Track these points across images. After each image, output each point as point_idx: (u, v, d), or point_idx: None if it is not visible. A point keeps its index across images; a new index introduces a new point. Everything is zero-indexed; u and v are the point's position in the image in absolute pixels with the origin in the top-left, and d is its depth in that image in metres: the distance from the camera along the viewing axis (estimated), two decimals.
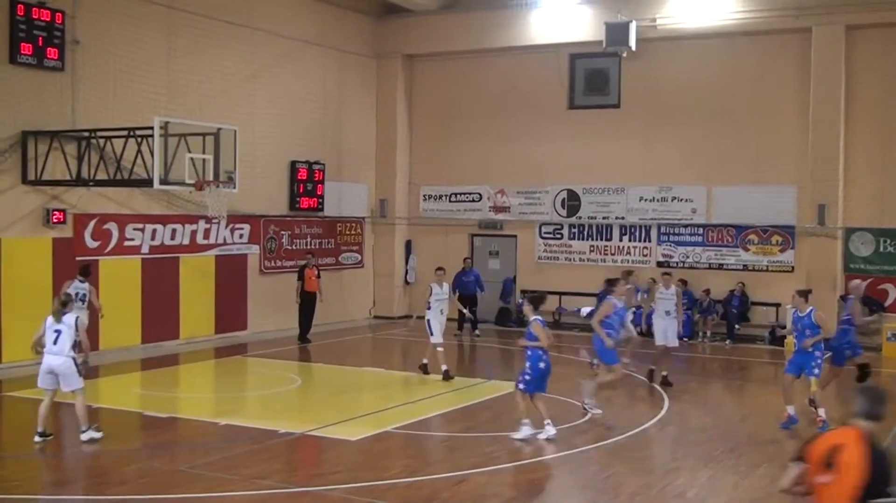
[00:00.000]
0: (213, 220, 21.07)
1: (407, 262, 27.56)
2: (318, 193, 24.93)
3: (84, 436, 12.27)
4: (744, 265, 23.60)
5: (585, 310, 23.37)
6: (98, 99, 19.13)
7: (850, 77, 22.28)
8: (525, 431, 12.50)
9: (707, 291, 23.46)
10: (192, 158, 17.35)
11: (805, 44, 22.54)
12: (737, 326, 23.10)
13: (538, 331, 12.58)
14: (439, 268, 18.42)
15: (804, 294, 14.15)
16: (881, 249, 22.29)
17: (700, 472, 11.49)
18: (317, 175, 24.85)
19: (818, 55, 22.31)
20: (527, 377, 12.63)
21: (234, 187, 18.10)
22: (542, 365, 12.62)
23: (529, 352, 12.72)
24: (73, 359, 12.29)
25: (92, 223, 19.42)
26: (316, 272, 22.12)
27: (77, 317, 12.53)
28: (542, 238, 26.05)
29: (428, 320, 17.49)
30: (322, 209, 25.15)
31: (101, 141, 18.21)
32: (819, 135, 22.28)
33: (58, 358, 12.19)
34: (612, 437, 13.15)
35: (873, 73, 22.26)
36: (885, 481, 5.71)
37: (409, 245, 27.73)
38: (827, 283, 22.36)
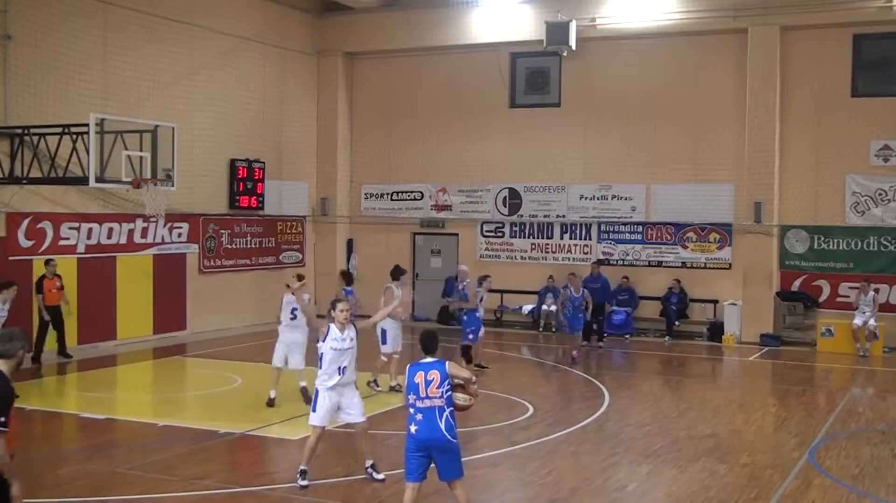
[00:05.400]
0: (151, 219, 20.76)
1: (348, 261, 27.43)
2: (259, 192, 24.71)
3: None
4: (682, 262, 23.88)
5: (527, 308, 23.56)
6: (31, 95, 18.73)
7: (785, 77, 22.68)
8: None
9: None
10: (128, 156, 17.13)
11: (742, 44, 22.89)
12: (676, 323, 23.38)
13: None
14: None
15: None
16: (815, 246, 22.71)
17: (640, 466, 11.62)
18: (257, 173, 24.63)
19: (754, 56, 22.67)
20: None
21: (173, 185, 17.88)
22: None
23: None
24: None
25: (25, 222, 19.02)
26: (58, 283, 18.73)
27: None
28: (484, 236, 26.12)
29: (383, 328, 15.91)
30: (262, 208, 24.94)
31: (35, 138, 17.85)
32: (755, 134, 22.64)
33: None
34: (553, 433, 13.23)
35: (807, 73, 22.66)
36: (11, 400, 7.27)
37: (350, 244, 27.61)
38: (763, 280, 22.77)
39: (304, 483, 10.46)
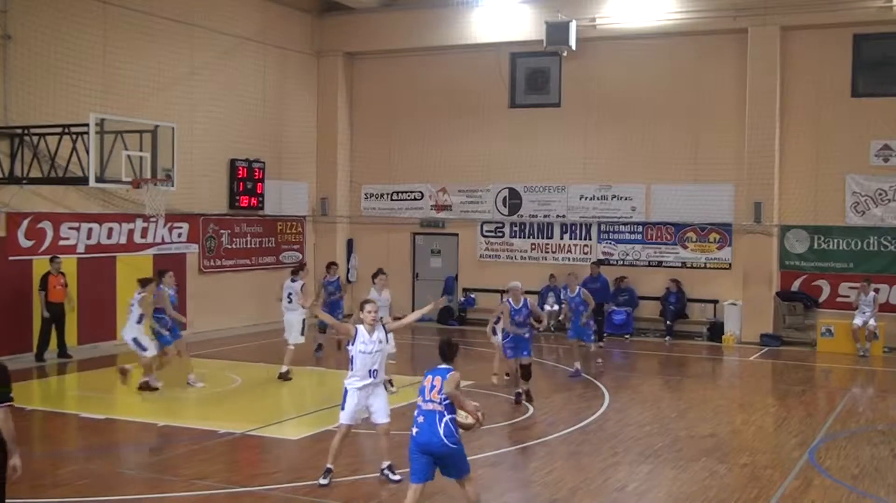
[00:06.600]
0: (151, 219, 20.77)
1: (348, 261, 27.43)
2: (259, 192, 24.70)
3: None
4: (682, 262, 23.87)
5: None
6: (31, 95, 18.71)
7: (784, 77, 22.67)
8: None
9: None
10: (128, 156, 17.15)
11: (742, 44, 22.89)
12: (669, 322, 23.33)
13: None
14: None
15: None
16: (815, 246, 22.71)
17: (640, 466, 11.61)
18: (257, 173, 24.63)
19: (754, 56, 22.67)
20: None
21: (173, 185, 17.91)
22: None
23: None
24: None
25: (25, 222, 19.01)
26: (62, 280, 18.97)
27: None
28: (484, 236, 26.11)
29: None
30: (262, 208, 24.94)
31: (35, 138, 17.86)
32: (755, 134, 22.64)
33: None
34: (553, 433, 13.24)
35: (807, 73, 22.66)
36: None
37: (350, 244, 27.60)
38: (763, 280, 22.76)
39: (325, 481, 10.45)
